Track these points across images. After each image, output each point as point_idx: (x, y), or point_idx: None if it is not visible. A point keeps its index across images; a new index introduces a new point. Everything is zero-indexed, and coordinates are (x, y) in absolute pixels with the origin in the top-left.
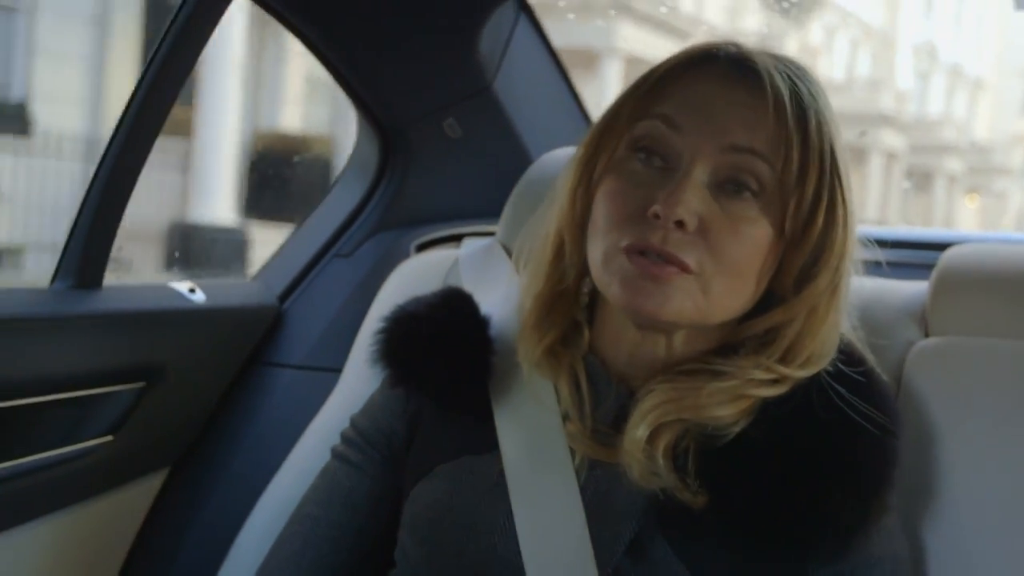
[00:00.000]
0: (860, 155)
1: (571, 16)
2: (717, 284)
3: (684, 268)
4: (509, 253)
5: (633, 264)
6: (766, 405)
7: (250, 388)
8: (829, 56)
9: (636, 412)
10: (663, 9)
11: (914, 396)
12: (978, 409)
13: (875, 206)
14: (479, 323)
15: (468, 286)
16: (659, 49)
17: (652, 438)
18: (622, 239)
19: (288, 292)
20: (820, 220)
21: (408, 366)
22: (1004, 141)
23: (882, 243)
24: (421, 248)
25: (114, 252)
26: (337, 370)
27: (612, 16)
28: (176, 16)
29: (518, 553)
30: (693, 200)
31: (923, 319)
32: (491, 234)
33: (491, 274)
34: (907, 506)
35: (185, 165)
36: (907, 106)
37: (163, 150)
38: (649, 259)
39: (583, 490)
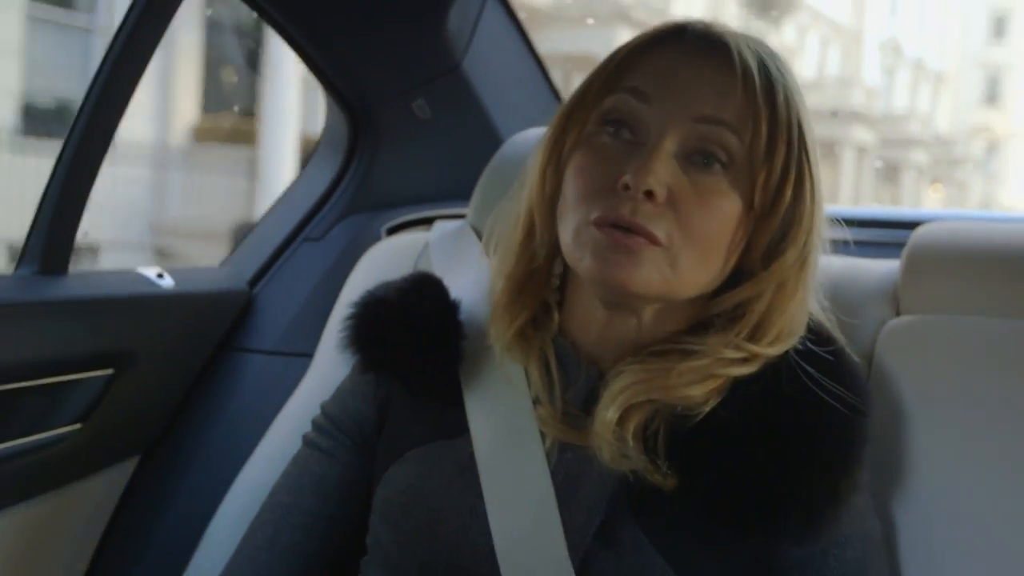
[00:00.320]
0: (832, 149)
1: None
2: (686, 257)
3: (653, 240)
4: (480, 235)
5: (603, 234)
6: (736, 385)
7: (221, 374)
8: (801, 55)
9: (606, 394)
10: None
11: (886, 375)
12: (949, 387)
13: (848, 199)
14: (449, 308)
15: (438, 270)
16: None
17: (622, 420)
18: (592, 212)
19: (258, 277)
20: (788, 194)
21: (378, 352)
22: (965, 132)
23: (853, 222)
24: (391, 231)
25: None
26: (308, 355)
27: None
28: (133, 4)
29: (489, 537)
30: (662, 171)
31: (894, 298)
32: (462, 216)
33: (462, 257)
34: (878, 484)
35: (251, 172)
36: (876, 102)
37: (231, 158)
38: (619, 230)
39: (554, 473)
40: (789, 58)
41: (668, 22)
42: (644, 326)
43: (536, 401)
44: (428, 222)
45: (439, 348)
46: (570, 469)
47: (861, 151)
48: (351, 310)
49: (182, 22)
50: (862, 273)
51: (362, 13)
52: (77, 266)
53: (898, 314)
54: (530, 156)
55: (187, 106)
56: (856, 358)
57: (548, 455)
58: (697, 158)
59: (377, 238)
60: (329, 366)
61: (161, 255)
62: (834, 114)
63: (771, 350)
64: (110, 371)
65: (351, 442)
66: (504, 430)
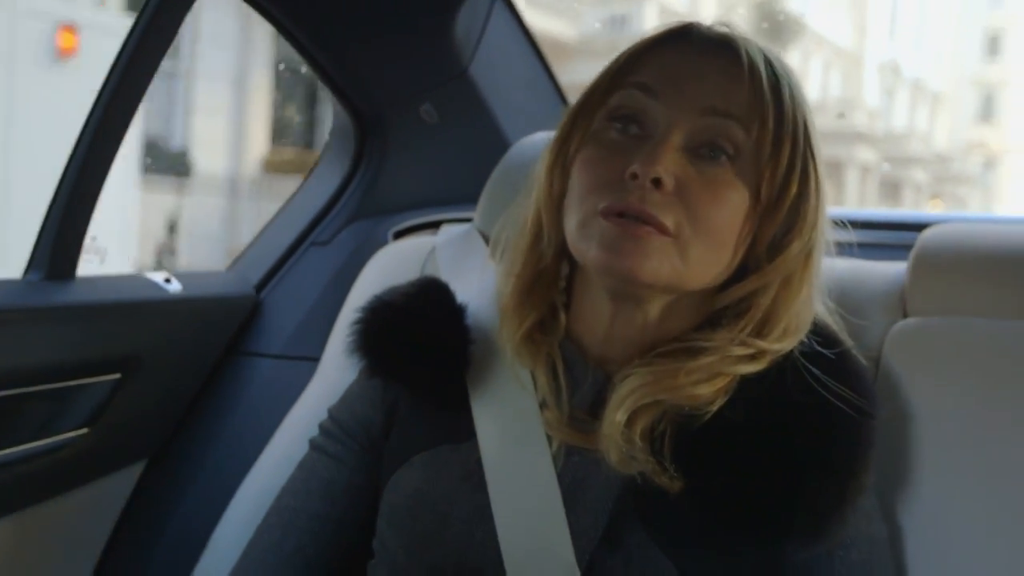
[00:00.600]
0: (837, 169)
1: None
2: (694, 247)
3: (662, 229)
4: (486, 239)
5: (611, 224)
6: (742, 385)
7: (228, 378)
8: (806, 79)
9: (614, 397)
10: None
11: (893, 377)
12: (957, 389)
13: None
14: (455, 312)
15: (445, 274)
16: None
17: (630, 422)
18: (600, 202)
19: (265, 281)
20: (794, 188)
21: (385, 356)
22: (961, 148)
23: (860, 224)
24: (399, 235)
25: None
26: (315, 359)
27: None
28: (143, 10)
29: (496, 541)
30: (670, 160)
31: (901, 300)
32: (469, 220)
33: (468, 261)
34: (885, 486)
35: None
36: (878, 123)
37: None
38: (628, 220)
39: (560, 477)
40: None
41: (674, 23)
42: (650, 322)
43: (542, 405)
44: (435, 226)
45: (446, 353)
46: (577, 473)
47: (864, 170)
48: (358, 315)
49: (253, 65)
50: (869, 275)
51: (370, 19)
52: None
53: (905, 316)
54: (538, 160)
55: (258, 140)
56: (863, 360)
57: (555, 459)
58: (704, 150)
59: (384, 242)
60: (336, 370)
61: None
62: (840, 115)
63: (777, 346)
64: (117, 376)
65: (358, 446)
66: (511, 434)
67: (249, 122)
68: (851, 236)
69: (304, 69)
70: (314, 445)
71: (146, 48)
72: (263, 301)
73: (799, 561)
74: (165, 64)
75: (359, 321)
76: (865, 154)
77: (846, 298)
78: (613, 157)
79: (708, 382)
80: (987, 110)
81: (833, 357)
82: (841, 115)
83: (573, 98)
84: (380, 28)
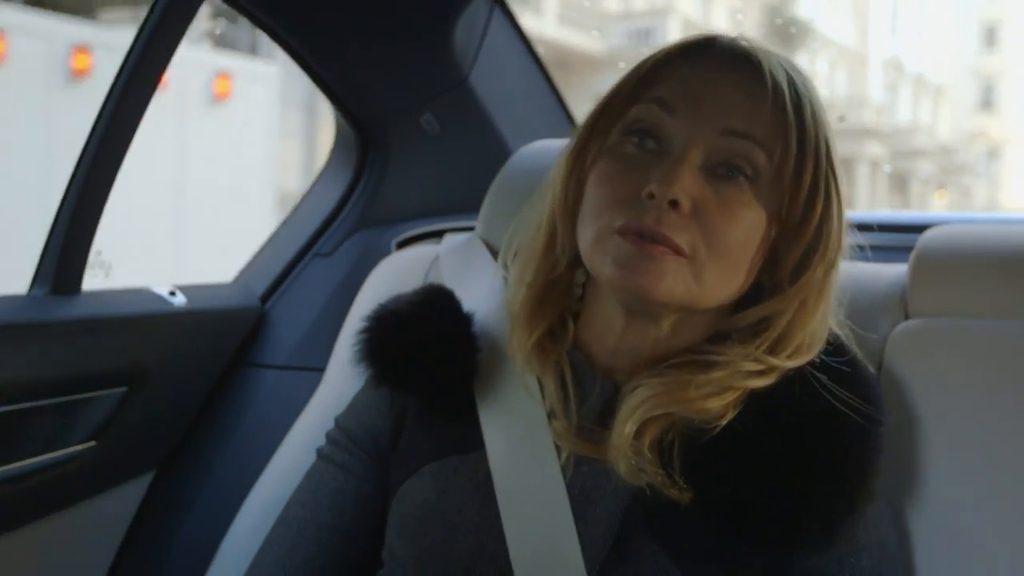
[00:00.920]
0: (848, 165)
1: None
2: (709, 268)
3: (678, 251)
4: (489, 247)
5: (627, 243)
6: (752, 397)
7: (234, 390)
8: (814, 79)
9: (623, 408)
10: None
11: (895, 379)
12: (959, 390)
13: (863, 208)
14: (462, 321)
15: (450, 282)
16: None
17: (639, 433)
18: (615, 220)
19: (269, 293)
20: (818, 211)
21: (392, 366)
22: (963, 138)
23: (862, 227)
24: (402, 245)
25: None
26: (320, 369)
27: None
28: (144, 23)
29: (505, 551)
30: (688, 181)
31: (903, 301)
32: (471, 229)
33: (472, 269)
34: (890, 490)
35: None
36: (885, 119)
37: None
38: (643, 239)
39: (569, 487)
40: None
41: (696, 35)
42: (662, 337)
43: (551, 415)
44: (438, 235)
45: (453, 362)
46: (586, 483)
47: (874, 165)
48: (364, 324)
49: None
50: (871, 277)
51: (369, 30)
52: None
53: (907, 318)
54: (553, 166)
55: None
56: (869, 367)
57: (563, 469)
58: (722, 170)
59: (387, 252)
60: (341, 380)
61: None
62: (841, 118)
63: (790, 363)
64: (124, 389)
65: (366, 456)
66: (519, 444)
67: (318, 143)
68: (853, 238)
69: None
70: (321, 455)
71: (147, 63)
72: (268, 312)
73: (808, 568)
74: None
75: (365, 330)
76: (874, 149)
77: (847, 300)
78: (630, 172)
79: (718, 396)
80: (987, 100)
81: (841, 366)
82: (842, 118)
83: (578, 109)
84: (379, 39)
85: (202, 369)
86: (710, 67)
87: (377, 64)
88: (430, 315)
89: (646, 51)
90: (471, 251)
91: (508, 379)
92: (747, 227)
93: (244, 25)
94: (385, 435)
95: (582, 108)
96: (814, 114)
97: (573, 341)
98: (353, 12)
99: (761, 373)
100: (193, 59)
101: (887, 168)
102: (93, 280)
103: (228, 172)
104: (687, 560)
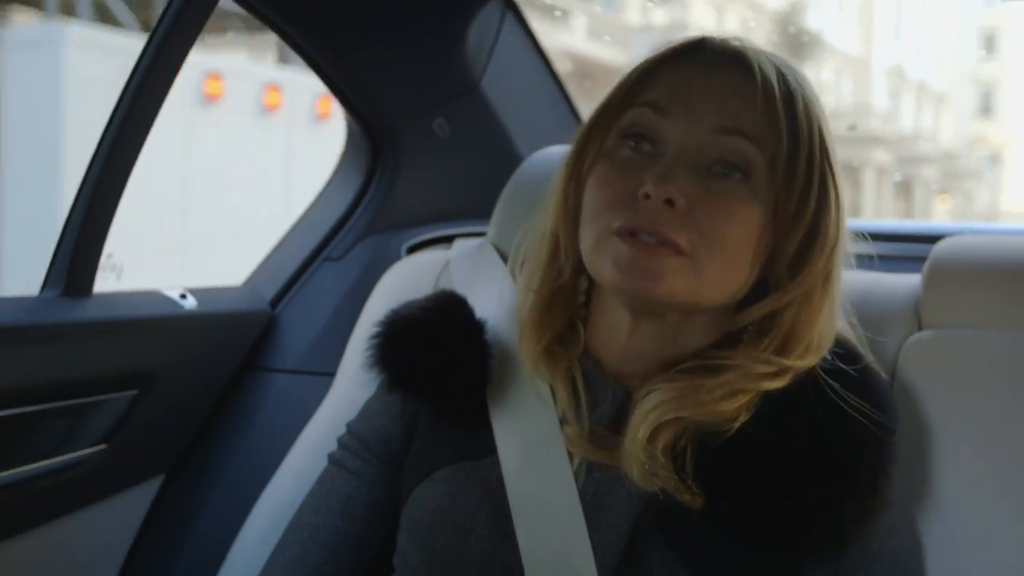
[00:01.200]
0: (855, 172)
1: None
2: (709, 264)
3: (677, 249)
4: (500, 253)
5: (625, 244)
6: (765, 401)
7: (243, 393)
8: (821, 90)
9: (636, 414)
10: None
11: (908, 389)
12: (972, 401)
13: (870, 214)
14: (475, 327)
15: (461, 288)
16: None
17: (652, 438)
18: (613, 221)
19: (280, 297)
20: (812, 203)
21: (404, 371)
22: (964, 144)
23: (875, 237)
24: (412, 250)
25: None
26: (330, 374)
27: None
28: (158, 24)
29: (518, 557)
30: (682, 180)
31: (916, 312)
32: (482, 235)
33: (483, 275)
34: (903, 499)
35: None
36: (891, 126)
37: None
38: (641, 239)
39: (581, 493)
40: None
41: (686, 37)
42: (668, 337)
43: (563, 421)
44: (448, 240)
45: (466, 368)
46: (598, 489)
47: (881, 171)
48: (376, 329)
49: None
50: (884, 287)
51: (381, 34)
52: None
53: (920, 328)
54: (554, 174)
55: None
56: (883, 375)
57: (576, 475)
58: (717, 168)
59: (397, 257)
60: (351, 385)
61: None
62: (852, 127)
63: (800, 363)
64: (134, 391)
65: (378, 461)
66: (532, 450)
67: None
68: (865, 248)
69: None
70: (333, 460)
71: (160, 67)
72: (278, 316)
73: (822, 575)
74: None
75: (377, 335)
76: (881, 156)
77: (862, 310)
78: (626, 175)
79: (731, 399)
80: (986, 106)
81: (854, 373)
82: (853, 127)
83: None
84: (391, 43)
85: (212, 372)
86: (701, 68)
87: (389, 68)
88: (442, 321)
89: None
90: (482, 257)
91: (520, 385)
92: (744, 223)
93: None
94: (397, 440)
95: None
96: (806, 107)
97: (583, 347)
98: (366, 16)
99: (773, 375)
100: (300, 82)
101: (897, 176)
102: (105, 283)
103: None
104: (699, 566)
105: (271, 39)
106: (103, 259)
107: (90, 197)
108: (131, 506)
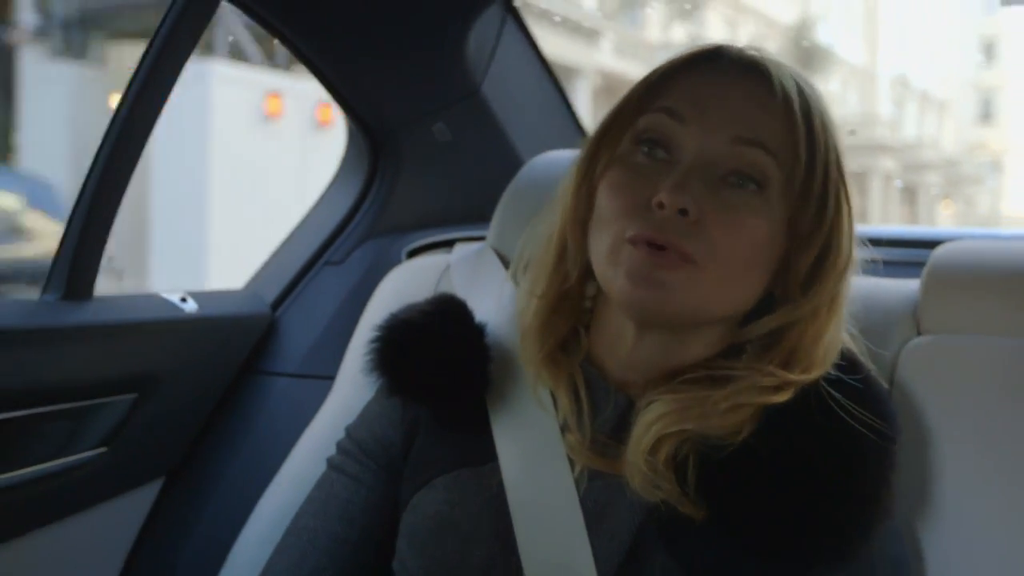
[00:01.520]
0: (861, 179)
1: None
2: (720, 275)
3: (688, 258)
4: (500, 257)
5: (639, 253)
6: (768, 413)
7: (244, 397)
8: (829, 99)
9: (639, 424)
10: None
11: (907, 394)
12: (970, 406)
13: (876, 220)
14: (475, 331)
15: (460, 292)
16: None
17: (654, 448)
18: (627, 229)
19: (280, 300)
20: (828, 220)
21: (404, 376)
22: (965, 150)
23: (874, 242)
24: (412, 254)
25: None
26: (331, 377)
27: None
28: (158, 31)
29: (519, 565)
30: (697, 189)
31: (915, 317)
32: (482, 239)
33: (483, 279)
34: (902, 506)
35: None
36: (896, 134)
37: None
38: (653, 249)
39: (583, 501)
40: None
41: (704, 44)
42: (674, 348)
43: (564, 428)
44: (448, 245)
45: (466, 373)
46: (599, 497)
47: (886, 178)
48: (376, 333)
49: None
50: (882, 292)
51: (382, 38)
52: None
53: (919, 334)
54: (563, 177)
55: None
56: (884, 383)
57: (577, 483)
58: (732, 178)
59: (398, 261)
60: (351, 389)
61: None
62: (852, 132)
63: (804, 377)
64: (134, 395)
65: (376, 466)
66: (533, 457)
67: None
68: (864, 253)
69: None
70: (332, 464)
71: (160, 70)
72: (278, 320)
73: None
74: None
75: (377, 340)
76: (886, 163)
77: (859, 316)
78: (640, 182)
79: (734, 412)
80: (986, 112)
81: (856, 383)
82: (852, 132)
83: (587, 119)
84: (392, 47)
85: (212, 376)
86: (719, 76)
87: (389, 73)
88: (443, 325)
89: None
90: (482, 261)
91: (521, 391)
92: (757, 235)
93: None
94: (397, 445)
95: None
96: (823, 123)
97: (585, 353)
98: (366, 20)
99: (777, 389)
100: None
101: (899, 183)
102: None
103: None
104: (701, 575)
105: None
106: (104, 262)
107: (90, 202)
108: (131, 509)
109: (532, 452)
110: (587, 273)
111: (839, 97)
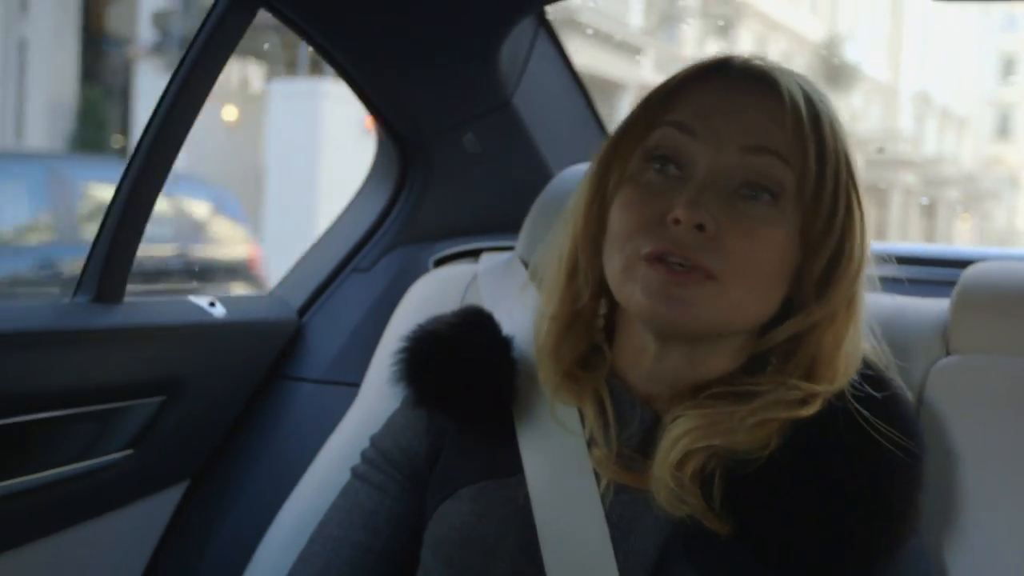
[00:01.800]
0: (883, 194)
1: None
2: (738, 288)
3: (707, 273)
4: (528, 268)
5: (655, 271)
6: (795, 428)
7: (269, 402)
8: (851, 114)
9: (666, 439)
10: None
11: (935, 414)
12: (999, 428)
13: (896, 235)
14: (502, 344)
15: (488, 303)
16: None
17: (681, 464)
18: (643, 246)
19: (307, 306)
20: (839, 225)
21: (430, 387)
22: (982, 165)
23: (903, 260)
24: (439, 263)
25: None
26: (356, 384)
27: None
28: (195, 38)
29: None
30: (711, 204)
31: (944, 337)
32: (510, 249)
33: (511, 290)
34: (928, 525)
35: None
36: (919, 149)
37: None
38: (670, 266)
39: (608, 515)
40: (851, 120)
41: (710, 56)
42: (696, 361)
43: (591, 442)
44: (475, 254)
45: (492, 386)
46: (625, 511)
47: (907, 193)
48: (403, 343)
49: None
50: (911, 311)
51: (415, 49)
52: None
53: (948, 354)
54: (573, 194)
55: None
56: (910, 399)
57: (603, 497)
58: (745, 190)
59: (425, 269)
60: (377, 397)
61: None
62: (880, 150)
63: (829, 388)
64: (162, 398)
65: (401, 476)
66: (559, 470)
67: None
68: (893, 271)
69: None
70: (356, 473)
71: (196, 78)
72: (305, 326)
73: None
74: None
75: (404, 350)
76: (908, 178)
77: (889, 334)
78: (653, 199)
79: (761, 427)
80: (1003, 128)
81: (883, 400)
82: (881, 150)
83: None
84: (425, 58)
85: (239, 380)
86: (727, 87)
87: (422, 82)
88: (470, 337)
89: None
90: (510, 272)
91: (547, 404)
92: (773, 246)
93: None
94: (422, 456)
95: None
96: (833, 129)
97: (610, 367)
98: (401, 31)
99: (802, 402)
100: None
101: (924, 200)
102: None
103: None
104: None
105: None
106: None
107: (124, 206)
108: (156, 511)
109: (558, 465)
110: (599, 291)
111: (862, 112)
